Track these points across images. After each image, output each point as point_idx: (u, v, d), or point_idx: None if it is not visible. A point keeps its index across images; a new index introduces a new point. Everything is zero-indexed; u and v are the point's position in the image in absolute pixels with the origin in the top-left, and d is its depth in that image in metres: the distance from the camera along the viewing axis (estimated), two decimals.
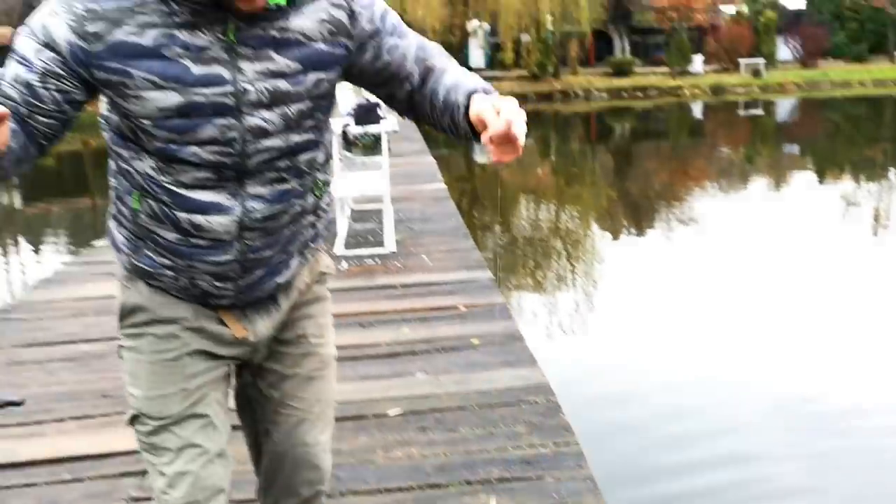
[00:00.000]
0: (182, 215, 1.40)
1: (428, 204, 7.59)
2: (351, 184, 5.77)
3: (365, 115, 5.89)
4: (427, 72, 1.49)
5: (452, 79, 1.44)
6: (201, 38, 1.30)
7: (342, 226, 6.09)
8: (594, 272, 8.14)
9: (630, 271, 7.73)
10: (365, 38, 1.45)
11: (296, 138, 1.43)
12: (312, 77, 1.40)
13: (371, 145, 6.65)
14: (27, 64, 1.28)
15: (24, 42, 1.30)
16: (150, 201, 1.42)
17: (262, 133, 1.38)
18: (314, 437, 1.71)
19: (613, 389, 4.84)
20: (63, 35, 1.28)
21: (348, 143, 6.68)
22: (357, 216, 7.00)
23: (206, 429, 1.53)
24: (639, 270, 7.73)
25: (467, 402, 3.24)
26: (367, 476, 2.71)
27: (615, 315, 6.42)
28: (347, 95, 12.79)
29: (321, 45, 1.40)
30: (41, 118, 1.30)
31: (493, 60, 38.63)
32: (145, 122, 1.33)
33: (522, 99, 33.27)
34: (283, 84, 1.37)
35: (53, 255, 9.18)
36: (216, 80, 1.32)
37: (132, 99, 1.31)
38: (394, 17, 1.50)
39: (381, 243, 5.91)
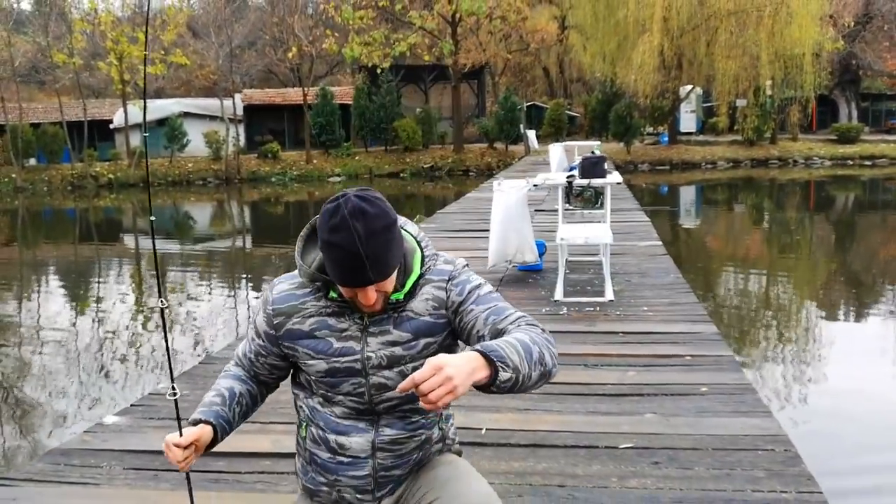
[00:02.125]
0: (331, 436, 1.89)
1: (644, 259, 7.59)
2: (575, 233, 5.93)
3: (591, 168, 6.06)
4: (498, 334, 1.76)
5: (503, 338, 1.67)
6: (344, 323, 1.83)
7: (560, 274, 6.25)
8: (811, 339, 7.67)
9: (851, 345, 7.23)
10: (455, 308, 1.84)
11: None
12: (423, 342, 1.84)
13: (592, 199, 6.79)
14: (250, 344, 1.97)
15: (250, 330, 1.98)
16: (312, 428, 1.93)
17: (384, 388, 1.85)
18: None
19: (847, 444, 4.58)
20: (263, 327, 1.92)
21: (569, 196, 6.87)
22: (573, 266, 7.15)
23: None
24: (861, 344, 7.21)
25: (701, 444, 3.24)
26: (603, 500, 2.80)
27: (838, 381, 6.04)
28: (557, 152, 13.14)
29: (427, 318, 1.84)
30: (262, 377, 2.00)
31: (705, 125, 37.71)
32: (311, 377, 1.90)
33: (736, 164, 31.86)
34: (398, 350, 1.83)
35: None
36: (349, 352, 1.83)
37: (301, 363, 1.90)
38: (481, 290, 1.86)
39: (600, 293, 6.00)
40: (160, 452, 3.27)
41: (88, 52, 36.26)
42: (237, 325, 9.04)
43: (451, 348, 1.90)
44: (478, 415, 3.56)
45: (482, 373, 1.53)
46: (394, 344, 1.82)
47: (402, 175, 32.18)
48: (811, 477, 2.90)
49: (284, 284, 1.91)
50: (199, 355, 7.43)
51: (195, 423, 1.85)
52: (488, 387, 1.56)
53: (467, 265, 1.94)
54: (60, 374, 7.20)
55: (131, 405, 3.98)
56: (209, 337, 8.43)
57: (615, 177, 6.33)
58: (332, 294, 1.82)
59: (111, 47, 33.15)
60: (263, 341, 1.93)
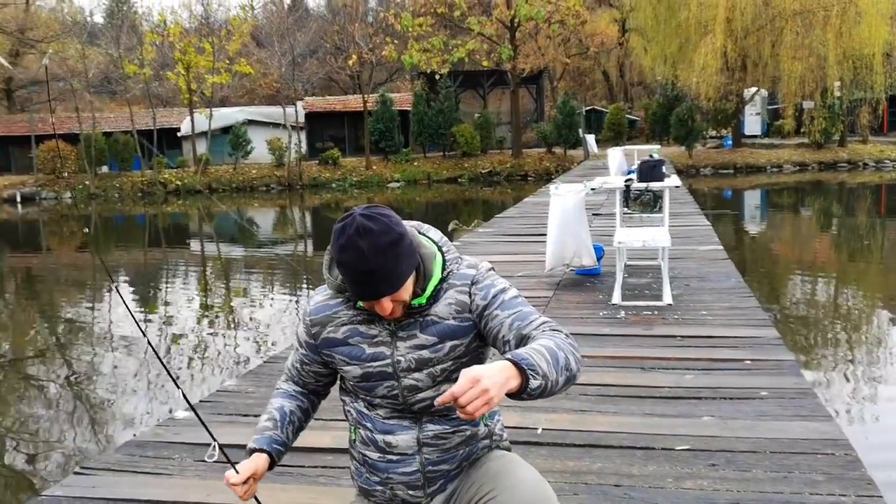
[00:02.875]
0: (378, 436, 1.99)
1: (704, 263, 7.50)
2: (633, 236, 5.92)
3: (649, 171, 6.04)
4: (522, 339, 1.82)
5: (530, 345, 1.73)
6: (374, 329, 1.94)
7: (618, 278, 6.24)
8: (876, 345, 7.45)
9: (886, 363, 6.98)
10: (480, 311, 1.90)
11: (445, 387, 1.89)
12: (448, 345, 1.91)
13: (650, 203, 6.76)
14: (295, 354, 2.12)
15: (294, 341, 2.13)
16: (361, 431, 2.03)
17: (416, 389, 1.95)
18: None
19: None
20: (303, 337, 2.06)
21: (627, 199, 6.85)
22: (631, 271, 7.12)
23: None
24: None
25: (759, 447, 3.23)
26: (659, 500, 2.82)
27: None
28: (616, 156, 13.06)
29: (451, 322, 1.91)
30: (311, 385, 2.15)
31: (770, 128, 36.87)
32: (350, 383, 2.03)
33: (803, 167, 31.04)
34: (425, 353, 1.91)
35: None
36: (380, 356, 1.94)
37: (339, 369, 2.03)
38: (505, 294, 1.91)
39: (658, 296, 5.98)
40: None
41: (158, 62, 37.43)
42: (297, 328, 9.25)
43: (477, 350, 1.97)
44: (534, 415, 3.61)
45: (514, 381, 1.59)
46: (421, 347, 1.91)
47: (460, 180, 32.32)
48: (871, 481, 2.87)
49: (319, 296, 2.03)
50: (261, 356, 7.64)
51: (251, 452, 2.00)
52: (519, 394, 1.62)
53: (492, 269, 1.99)
54: (130, 373, 7.50)
55: (200, 401, 4.15)
56: (270, 338, 8.65)
57: (674, 180, 6.29)
58: (360, 304, 1.92)
59: (179, 58, 34.20)
60: (305, 350, 2.06)
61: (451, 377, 1.95)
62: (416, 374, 1.93)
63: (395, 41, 32.55)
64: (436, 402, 1.62)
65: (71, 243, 20.99)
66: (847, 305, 9.32)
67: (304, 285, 12.84)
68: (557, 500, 1.88)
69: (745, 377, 4.14)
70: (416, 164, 33.78)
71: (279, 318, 9.82)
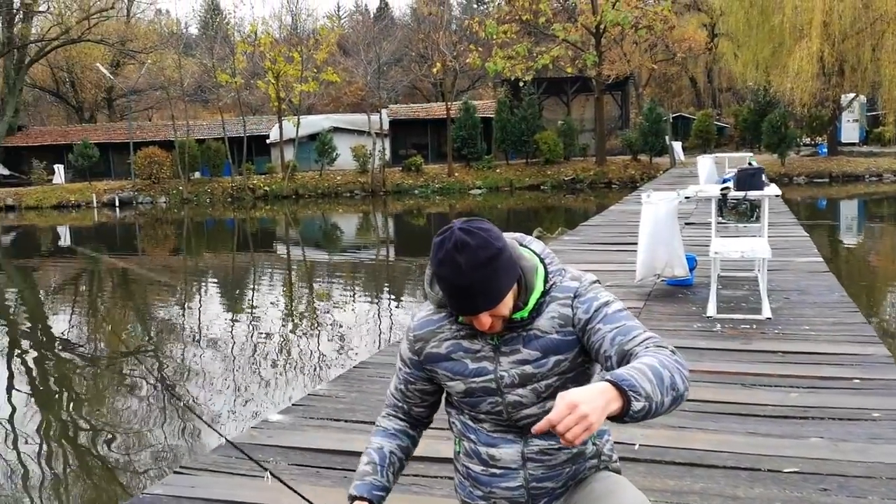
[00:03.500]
0: (482, 449, 1.94)
1: (803, 276, 7.19)
2: (730, 247, 5.71)
3: (748, 179, 5.82)
4: (624, 355, 1.74)
5: (633, 363, 1.64)
6: (477, 344, 1.89)
7: (712, 289, 6.03)
8: None
9: None
10: (582, 325, 1.83)
11: (550, 404, 1.77)
12: (552, 360, 1.85)
13: (746, 212, 6.52)
14: (399, 375, 2.05)
15: (398, 362, 2.05)
16: (465, 443, 1.99)
17: (520, 405, 1.89)
18: None
19: None
20: (407, 354, 2.01)
21: (722, 208, 6.62)
22: (725, 282, 6.87)
23: None
24: None
25: (874, 472, 3.04)
26: None
27: None
28: (706, 163, 12.69)
29: (554, 336, 1.85)
30: (415, 408, 2.06)
31: (869, 135, 35.29)
32: (454, 398, 1.99)
33: None
34: (529, 368, 1.86)
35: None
36: (484, 372, 1.89)
37: (444, 385, 1.98)
38: (608, 308, 1.83)
39: (756, 310, 5.75)
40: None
41: (248, 71, 38.58)
42: (379, 333, 9.32)
43: (584, 365, 1.90)
44: (630, 429, 3.50)
45: (615, 404, 1.52)
46: (524, 362, 1.85)
47: (542, 187, 32.10)
48: None
49: (423, 311, 2.00)
50: (342, 362, 7.72)
51: (352, 499, 1.94)
52: (621, 417, 1.54)
53: (597, 281, 1.92)
54: (224, 374, 7.69)
55: (293, 404, 4.20)
56: (353, 343, 8.73)
57: (773, 189, 6.04)
58: (461, 318, 1.88)
59: (269, 67, 35.14)
60: (410, 368, 2.01)
61: (556, 393, 1.87)
62: (520, 390, 1.88)
63: (480, 48, 32.61)
64: (533, 430, 1.56)
65: (165, 245, 21.80)
66: None
67: (386, 290, 12.96)
68: None
69: (854, 397, 3.92)
70: (498, 171, 33.73)
71: (362, 322, 9.92)
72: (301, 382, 7.25)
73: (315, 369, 7.77)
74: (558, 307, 1.85)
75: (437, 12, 37.18)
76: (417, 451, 3.29)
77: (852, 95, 30.70)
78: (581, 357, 1.87)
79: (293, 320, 10.50)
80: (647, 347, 1.72)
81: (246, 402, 6.72)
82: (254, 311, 11.25)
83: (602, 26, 31.20)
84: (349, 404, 4.07)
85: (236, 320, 10.59)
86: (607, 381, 1.54)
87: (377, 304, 11.68)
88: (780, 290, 6.53)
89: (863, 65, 27.86)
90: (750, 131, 33.59)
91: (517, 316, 1.83)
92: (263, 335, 9.41)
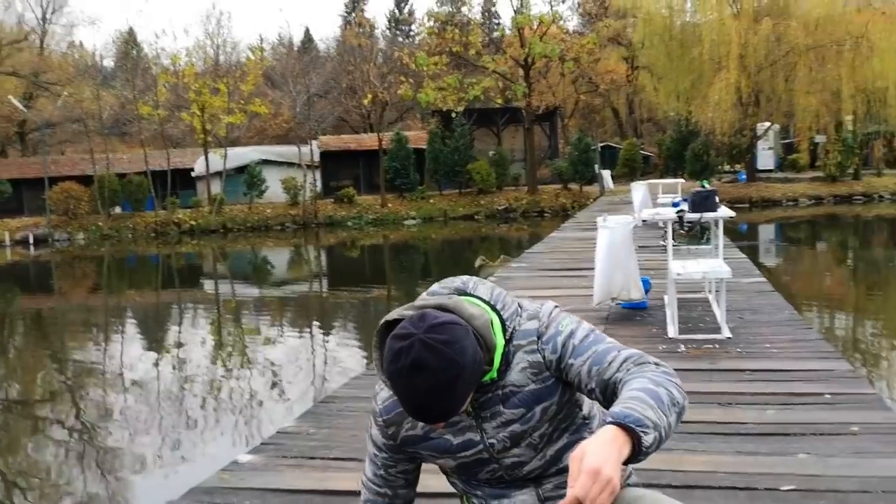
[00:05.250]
0: (494, 502, 1.84)
1: (752, 295, 7.33)
2: (691, 267, 5.76)
3: (702, 201, 5.90)
4: (607, 385, 1.63)
5: (625, 393, 1.53)
6: (454, 417, 1.66)
7: (672, 311, 6.06)
8: None
9: None
10: (555, 366, 1.70)
11: (551, 450, 1.78)
12: (538, 410, 1.72)
13: (697, 234, 6.62)
14: (375, 461, 1.90)
15: (369, 448, 1.91)
16: (473, 499, 1.88)
17: (519, 465, 1.79)
18: None
19: None
20: (380, 440, 1.86)
21: (674, 231, 6.70)
22: (679, 304, 6.93)
23: None
24: None
25: (868, 486, 3.03)
26: None
27: None
28: (640, 190, 12.94)
29: (532, 387, 1.71)
30: (400, 490, 1.92)
31: (784, 162, 36.84)
32: (450, 474, 1.91)
33: (818, 201, 30.90)
34: (517, 427, 1.73)
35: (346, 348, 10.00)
36: (471, 445, 1.76)
37: (433, 463, 1.86)
38: (574, 338, 1.69)
39: (714, 329, 5.80)
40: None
41: (171, 103, 37.77)
42: (324, 366, 9.08)
43: (570, 399, 1.78)
44: None
45: (627, 448, 1.40)
46: (510, 422, 1.72)
47: (476, 217, 32.30)
48: None
49: (385, 392, 1.81)
50: (290, 398, 7.46)
51: None
52: (636, 456, 1.42)
53: (556, 307, 1.77)
54: (178, 414, 7.32)
55: (262, 443, 3.97)
56: (288, 379, 8.44)
57: (726, 211, 6.15)
58: None
59: (194, 98, 34.49)
60: (387, 452, 1.87)
61: (553, 438, 1.78)
62: (515, 450, 1.75)
63: (410, 80, 32.79)
64: None
65: (84, 283, 20.91)
66: (866, 340, 9.06)
67: (317, 325, 12.66)
68: None
69: (830, 412, 3.95)
70: (431, 201, 33.79)
71: (299, 359, 9.62)
72: (266, 417, 6.96)
73: (256, 409, 7.46)
74: (526, 356, 1.70)
75: (366, 44, 37.30)
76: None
77: (767, 124, 32.07)
78: (567, 395, 1.75)
79: (229, 359, 10.11)
80: (628, 370, 1.60)
81: (177, 444, 6.38)
82: (179, 350, 10.78)
83: (530, 58, 31.81)
84: (322, 441, 3.87)
85: (164, 361, 10.11)
86: (611, 423, 1.42)
87: (310, 338, 11.35)
88: (732, 309, 6.60)
89: (777, 95, 29.22)
90: (673, 159, 34.65)
91: (486, 379, 1.67)
92: (189, 376, 9.00)
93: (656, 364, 1.61)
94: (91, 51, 51.58)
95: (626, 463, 1.41)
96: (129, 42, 55.70)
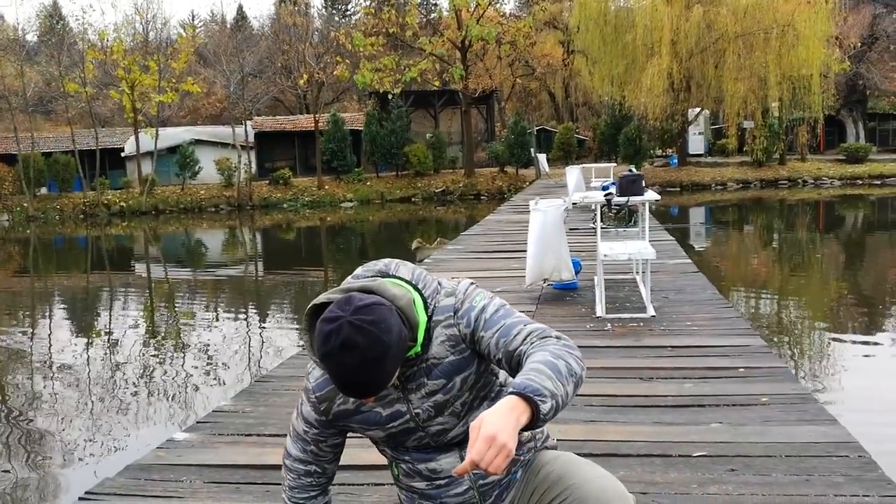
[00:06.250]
0: (421, 466, 1.96)
1: (677, 276, 7.63)
2: (619, 249, 5.98)
3: (629, 185, 6.12)
4: (512, 356, 1.77)
5: (526, 366, 1.66)
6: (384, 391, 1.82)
7: (600, 291, 6.29)
8: (819, 369, 7.49)
9: (862, 368, 7.13)
10: (469, 338, 1.84)
11: (472, 417, 1.89)
12: (458, 380, 1.87)
13: (625, 217, 6.85)
14: (305, 437, 2.01)
15: (299, 425, 2.02)
16: (402, 465, 2.01)
17: (444, 431, 1.92)
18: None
19: None
20: (312, 416, 1.98)
21: (602, 214, 6.92)
22: (607, 285, 7.18)
23: None
24: (874, 366, 7.14)
25: (773, 451, 3.27)
26: None
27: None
28: (574, 173, 13.21)
29: (452, 358, 1.85)
30: (328, 465, 2.07)
31: (714, 147, 37.88)
32: (379, 444, 2.05)
33: (745, 185, 31.87)
34: (440, 397, 1.87)
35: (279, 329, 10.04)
36: (398, 415, 1.90)
37: (363, 435, 2.00)
38: (485, 313, 1.83)
39: (640, 308, 6.05)
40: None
41: (99, 81, 36.63)
42: (261, 347, 9.08)
43: (487, 370, 1.92)
44: (547, 426, 3.59)
45: (525, 416, 1.53)
46: (433, 393, 1.86)
47: (413, 199, 32.35)
48: (892, 482, 2.92)
49: (317, 371, 1.94)
50: (225, 381, 7.47)
51: None
52: (534, 423, 1.56)
53: (472, 284, 1.91)
54: (94, 402, 7.24)
55: (197, 422, 4.02)
56: (232, 364, 8.44)
57: (652, 195, 6.39)
58: None
59: (123, 76, 33.54)
60: (318, 428, 1.99)
61: (474, 406, 1.92)
62: (440, 419, 1.90)
63: (347, 61, 32.52)
64: (454, 472, 1.57)
65: (8, 267, 20.26)
66: (783, 327, 9.46)
67: (254, 306, 12.61)
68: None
69: (743, 384, 4.20)
70: (368, 183, 33.70)
71: (230, 340, 9.58)
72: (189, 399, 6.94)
73: (191, 392, 7.44)
74: (444, 330, 1.84)
75: (301, 23, 36.78)
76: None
77: (698, 110, 32.90)
78: (483, 364, 1.90)
79: (162, 343, 9.99)
80: (532, 343, 1.73)
81: (110, 430, 6.34)
82: (111, 335, 10.60)
83: (468, 41, 31.89)
84: (259, 418, 3.94)
85: (94, 345, 9.91)
86: (511, 393, 1.56)
87: (246, 321, 11.29)
88: (658, 290, 6.88)
89: (707, 81, 29.95)
90: (607, 144, 35.29)
91: (411, 353, 1.82)
92: (129, 361, 8.83)
93: (557, 338, 1.75)
94: (13, 24, 49.48)
95: (526, 429, 1.55)
96: (53, 16, 53.71)
